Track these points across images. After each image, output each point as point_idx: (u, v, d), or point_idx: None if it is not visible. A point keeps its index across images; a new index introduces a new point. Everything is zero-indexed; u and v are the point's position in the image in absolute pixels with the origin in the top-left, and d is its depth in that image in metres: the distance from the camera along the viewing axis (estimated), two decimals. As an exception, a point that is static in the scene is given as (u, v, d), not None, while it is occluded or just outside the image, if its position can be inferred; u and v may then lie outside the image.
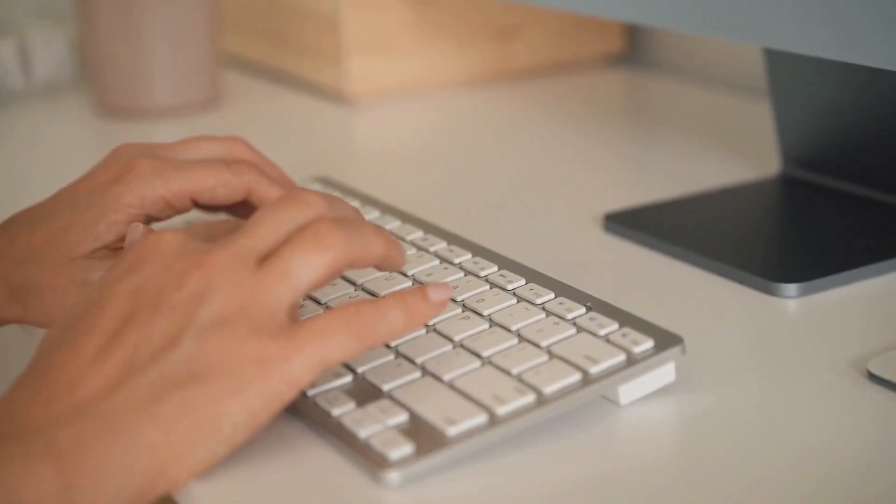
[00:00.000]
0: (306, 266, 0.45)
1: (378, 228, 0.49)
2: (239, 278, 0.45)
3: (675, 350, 0.49)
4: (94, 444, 0.42)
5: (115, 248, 0.57)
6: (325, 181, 0.73)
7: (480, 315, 0.53)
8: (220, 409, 0.43)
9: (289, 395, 0.44)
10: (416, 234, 0.63)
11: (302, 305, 0.53)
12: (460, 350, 0.51)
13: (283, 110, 1.02)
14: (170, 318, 0.44)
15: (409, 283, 0.57)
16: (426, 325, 0.53)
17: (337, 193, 0.70)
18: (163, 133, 0.95)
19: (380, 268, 0.49)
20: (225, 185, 0.58)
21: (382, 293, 0.56)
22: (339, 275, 0.47)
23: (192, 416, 0.43)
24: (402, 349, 0.51)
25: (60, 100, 1.08)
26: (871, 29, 0.56)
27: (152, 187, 0.57)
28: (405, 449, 0.45)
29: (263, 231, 0.47)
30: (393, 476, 0.44)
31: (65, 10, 1.21)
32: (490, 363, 0.49)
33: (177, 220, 0.68)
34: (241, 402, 0.43)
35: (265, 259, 0.46)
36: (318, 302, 0.56)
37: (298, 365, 0.44)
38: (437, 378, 0.49)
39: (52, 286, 0.56)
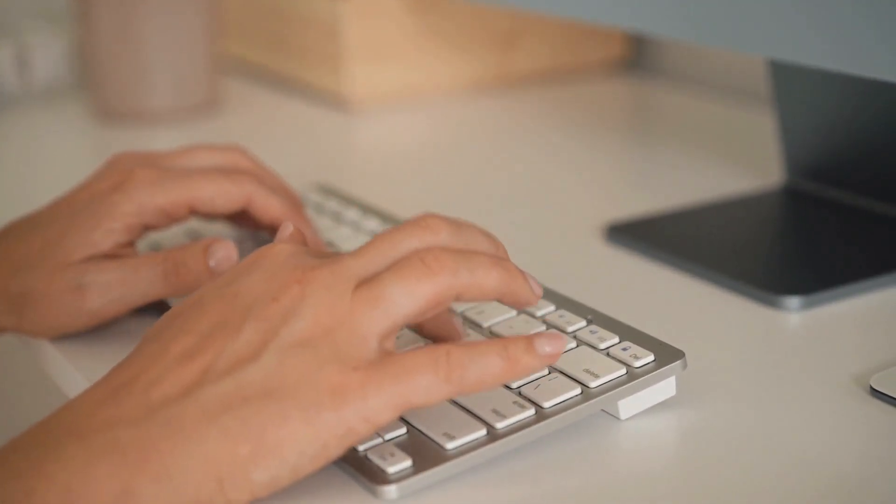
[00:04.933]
0: (404, 295, 0.42)
1: (498, 260, 0.45)
2: (335, 299, 0.42)
3: (676, 365, 0.49)
4: (157, 447, 0.40)
5: (112, 254, 0.57)
6: (325, 188, 0.73)
7: (480, 327, 0.53)
8: (288, 433, 0.41)
9: (364, 431, 0.42)
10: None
11: (399, 336, 0.50)
12: (460, 363, 0.50)
13: (284, 116, 1.01)
14: (257, 329, 0.42)
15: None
16: (424, 338, 0.52)
17: (335, 200, 0.70)
18: (161, 138, 0.94)
19: (504, 303, 0.46)
20: (223, 195, 0.58)
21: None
22: (445, 306, 0.44)
23: (258, 433, 0.41)
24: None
25: (58, 103, 1.07)
26: (877, 41, 0.56)
27: (150, 196, 0.57)
28: (403, 463, 0.44)
29: (374, 253, 0.44)
30: (391, 490, 0.44)
31: (63, 13, 1.21)
32: (490, 376, 0.49)
33: (175, 230, 0.67)
34: (312, 430, 0.41)
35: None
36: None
37: (376, 403, 0.41)
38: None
39: (46, 293, 0.55)
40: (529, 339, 0.44)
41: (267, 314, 0.43)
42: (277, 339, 0.42)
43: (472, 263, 0.44)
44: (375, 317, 0.42)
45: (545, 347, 0.44)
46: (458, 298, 0.44)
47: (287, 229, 0.48)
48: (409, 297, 0.42)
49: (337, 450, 0.42)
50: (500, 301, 0.45)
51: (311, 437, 0.41)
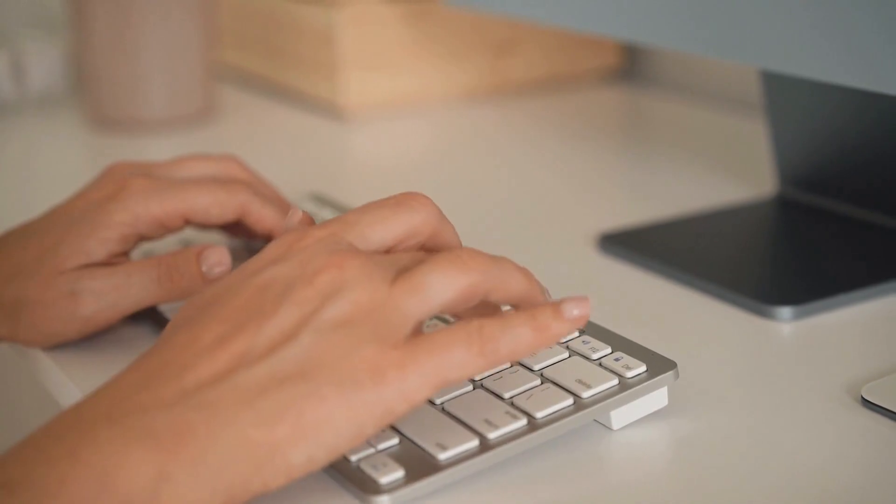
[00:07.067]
0: (442, 284, 0.44)
1: (524, 269, 0.47)
2: (376, 285, 0.43)
3: (668, 375, 0.49)
4: (193, 432, 0.40)
5: (106, 263, 0.57)
6: (320, 197, 0.73)
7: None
8: (325, 413, 0.41)
9: (401, 410, 0.42)
10: (410, 254, 0.63)
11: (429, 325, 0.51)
12: (452, 373, 0.50)
13: (279, 124, 1.02)
14: (293, 312, 0.42)
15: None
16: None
17: (329, 209, 0.70)
18: (156, 146, 0.94)
19: (518, 307, 0.47)
20: (218, 205, 0.58)
21: None
22: (474, 301, 0.45)
23: (295, 414, 0.41)
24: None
25: (54, 111, 1.08)
26: (871, 52, 0.56)
27: (146, 206, 0.57)
28: (396, 474, 0.44)
29: (412, 255, 0.46)
30: (383, 501, 0.44)
31: (59, 21, 1.21)
32: (482, 387, 0.49)
33: (170, 240, 0.67)
34: (349, 409, 0.41)
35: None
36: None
37: (415, 379, 0.42)
38: (429, 401, 0.49)
39: (40, 301, 0.55)
40: (556, 306, 0.44)
41: (304, 297, 0.43)
42: (316, 320, 0.42)
43: (503, 266, 0.46)
44: (415, 303, 0.43)
45: (573, 311, 0.44)
46: (486, 296, 0.45)
47: (297, 215, 0.48)
48: (445, 288, 0.44)
49: (373, 429, 0.42)
50: (517, 305, 0.47)
51: (348, 417, 0.41)
